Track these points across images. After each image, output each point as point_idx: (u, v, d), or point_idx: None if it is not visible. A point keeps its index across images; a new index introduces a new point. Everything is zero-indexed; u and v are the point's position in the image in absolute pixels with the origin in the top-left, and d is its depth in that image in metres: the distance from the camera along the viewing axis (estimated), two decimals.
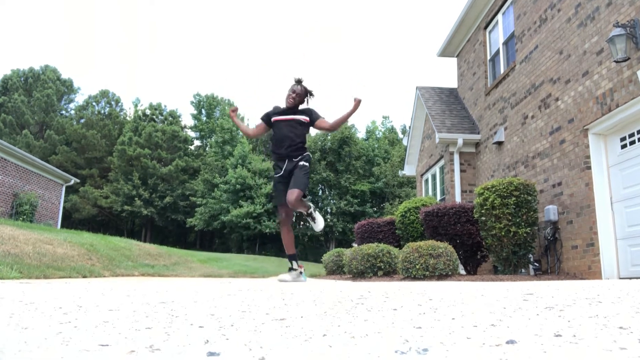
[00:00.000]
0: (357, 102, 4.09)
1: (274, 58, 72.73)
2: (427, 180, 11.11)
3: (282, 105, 4.40)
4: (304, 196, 4.16)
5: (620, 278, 5.22)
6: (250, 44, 72.82)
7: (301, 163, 4.19)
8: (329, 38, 75.54)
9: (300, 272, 4.33)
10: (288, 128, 4.25)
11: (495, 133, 8.42)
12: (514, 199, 5.82)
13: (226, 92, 66.51)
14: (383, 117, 42.97)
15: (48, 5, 70.82)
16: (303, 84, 4.38)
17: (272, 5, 73.55)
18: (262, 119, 4.45)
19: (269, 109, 4.51)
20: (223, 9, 73.39)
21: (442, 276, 5.43)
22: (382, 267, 6.62)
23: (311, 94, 4.40)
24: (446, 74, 66.26)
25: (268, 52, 73.27)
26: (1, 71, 59.06)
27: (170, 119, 41.18)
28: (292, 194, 3.97)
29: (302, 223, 34.08)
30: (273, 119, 4.33)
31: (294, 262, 4.34)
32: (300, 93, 4.31)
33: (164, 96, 71.37)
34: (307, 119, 4.30)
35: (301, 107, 4.36)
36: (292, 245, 4.37)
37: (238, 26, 73.18)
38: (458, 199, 8.90)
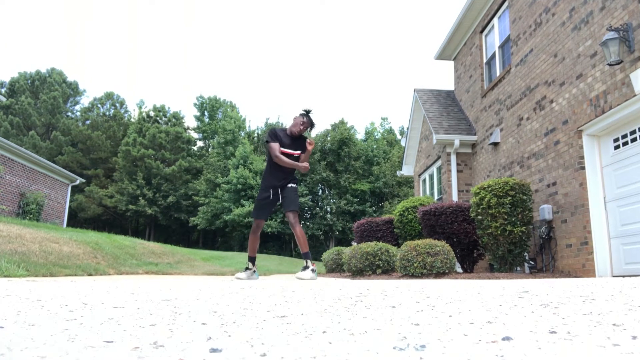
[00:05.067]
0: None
1: (274, 58, 72.91)
2: (424, 180, 11.14)
3: (285, 126, 4.66)
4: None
5: (613, 276, 5.26)
6: (250, 44, 73.04)
7: (290, 185, 4.52)
8: (328, 38, 75.61)
9: (254, 271, 4.71)
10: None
11: (491, 134, 8.44)
12: (509, 198, 5.83)
13: (228, 94, 66.80)
14: (382, 119, 42.93)
15: (53, 8, 71.27)
16: (310, 115, 4.60)
17: (272, 6, 73.70)
18: (277, 143, 4.52)
19: (277, 131, 4.59)
20: (223, 9, 73.63)
21: (439, 274, 5.43)
22: (381, 265, 6.61)
23: (313, 126, 4.63)
24: (443, 77, 66.21)
25: (268, 52, 73.46)
26: (8, 74, 59.31)
27: (173, 120, 41.36)
28: (296, 216, 4.44)
29: (301, 222, 34.08)
30: (280, 149, 4.49)
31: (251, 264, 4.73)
32: (307, 125, 4.55)
33: (167, 98, 71.54)
34: (300, 152, 4.58)
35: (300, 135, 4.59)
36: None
37: (238, 26, 73.37)
38: (455, 198, 8.93)
